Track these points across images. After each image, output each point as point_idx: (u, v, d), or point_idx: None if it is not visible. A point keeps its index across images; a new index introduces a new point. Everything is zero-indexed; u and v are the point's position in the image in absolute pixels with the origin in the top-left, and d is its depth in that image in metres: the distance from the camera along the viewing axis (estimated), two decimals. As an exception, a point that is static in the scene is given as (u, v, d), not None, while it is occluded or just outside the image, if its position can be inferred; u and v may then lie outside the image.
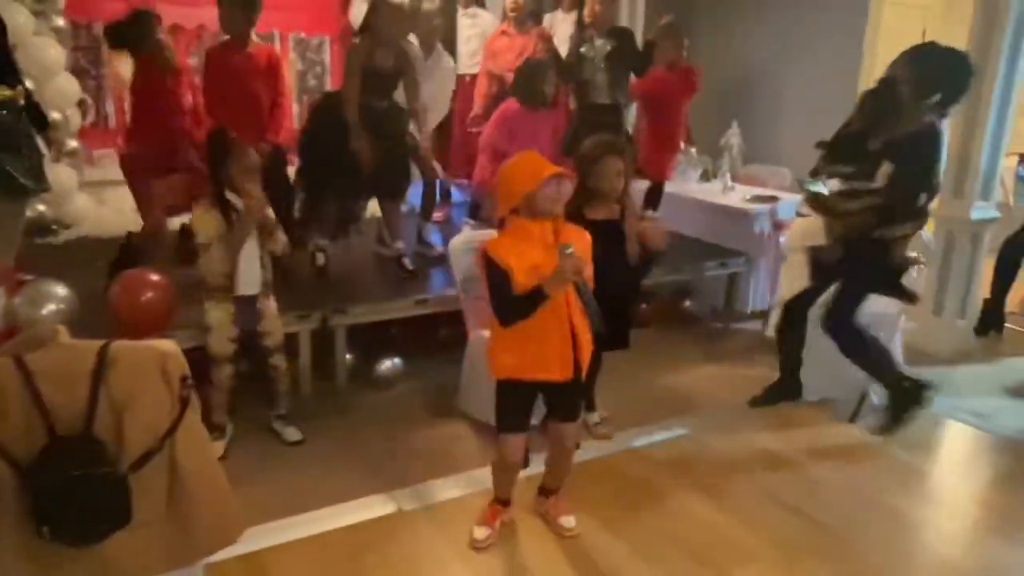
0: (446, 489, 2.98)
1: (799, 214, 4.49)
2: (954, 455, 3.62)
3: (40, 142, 3.83)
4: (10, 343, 1.87)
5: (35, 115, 3.73)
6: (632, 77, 4.86)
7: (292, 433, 3.31)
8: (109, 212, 5.02)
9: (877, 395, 3.75)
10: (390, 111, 3.92)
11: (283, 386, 3.30)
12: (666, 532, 2.78)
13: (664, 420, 3.61)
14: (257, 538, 2.55)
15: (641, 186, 4.79)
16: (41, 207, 4.78)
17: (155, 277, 3.16)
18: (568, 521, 2.75)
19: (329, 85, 6.11)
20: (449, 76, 4.97)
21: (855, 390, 3.68)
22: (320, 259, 4.06)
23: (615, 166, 3.00)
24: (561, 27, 5.33)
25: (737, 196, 5.30)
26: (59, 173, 4.86)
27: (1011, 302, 4.96)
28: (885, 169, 3.28)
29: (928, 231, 4.36)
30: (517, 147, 3.95)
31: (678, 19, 4.80)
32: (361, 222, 4.37)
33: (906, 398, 3.45)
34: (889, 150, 3.31)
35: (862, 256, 3.41)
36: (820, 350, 3.57)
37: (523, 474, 3.04)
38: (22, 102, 2.94)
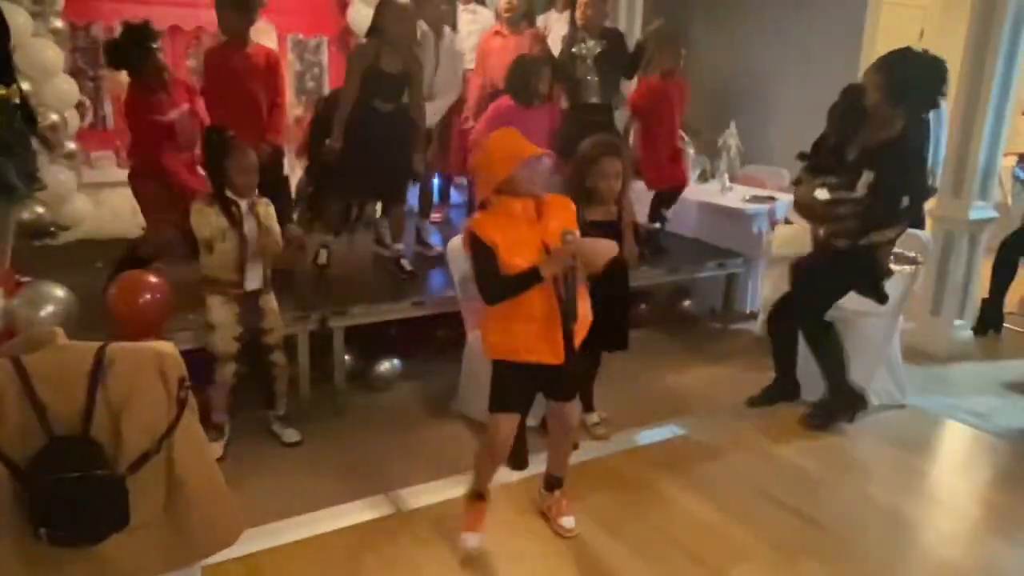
0: (445, 490, 2.97)
1: (787, 221, 4.52)
2: (953, 455, 3.62)
3: (36, 142, 3.84)
4: (8, 344, 1.87)
5: (24, 113, 3.73)
6: (624, 83, 4.89)
7: (291, 434, 3.31)
8: (107, 214, 5.02)
9: (876, 395, 3.76)
10: (394, 115, 3.90)
11: (282, 385, 3.30)
12: (664, 532, 2.78)
13: (662, 420, 3.61)
14: (255, 539, 2.55)
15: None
16: (40, 209, 4.79)
17: (153, 279, 3.16)
18: (568, 521, 2.75)
19: (327, 86, 6.10)
20: (459, 58, 4.94)
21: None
22: (322, 257, 4.06)
23: (613, 167, 3.00)
24: (556, 27, 5.32)
25: (735, 196, 5.30)
26: (57, 175, 4.86)
27: (1009, 302, 4.96)
28: (866, 178, 3.34)
29: (927, 231, 4.37)
30: None
31: (675, 25, 4.83)
32: (370, 220, 4.39)
33: (843, 405, 3.58)
34: (866, 158, 3.38)
35: (845, 260, 3.45)
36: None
37: (522, 475, 3.05)
38: (16, 101, 2.92)
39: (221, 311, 3.06)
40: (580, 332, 2.46)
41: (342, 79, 4.12)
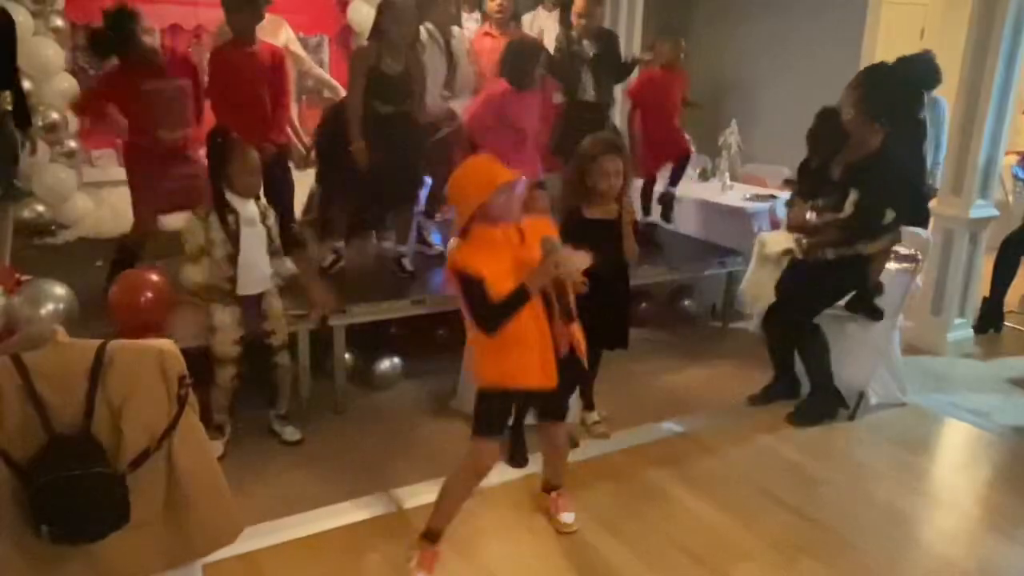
0: (445, 488, 2.97)
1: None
2: (953, 453, 3.62)
3: (26, 144, 3.83)
4: (8, 342, 1.87)
5: (20, 114, 3.72)
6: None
7: (291, 433, 3.31)
8: (108, 212, 5.02)
9: (876, 394, 3.76)
10: (398, 117, 3.88)
11: (285, 385, 3.30)
12: (665, 531, 2.78)
13: (662, 419, 3.61)
14: (256, 538, 2.55)
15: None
16: (40, 207, 4.79)
17: (154, 277, 3.16)
18: (568, 517, 2.76)
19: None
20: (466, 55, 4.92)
21: (853, 389, 3.68)
22: (327, 260, 4.04)
23: (614, 165, 2.99)
24: (547, 26, 5.29)
25: (736, 195, 5.31)
26: (58, 173, 4.87)
27: (1010, 300, 4.96)
28: (852, 196, 3.37)
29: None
30: (506, 128, 3.96)
31: (675, 24, 4.86)
32: (385, 227, 4.38)
33: (826, 405, 3.62)
34: (849, 176, 3.41)
35: (834, 269, 3.47)
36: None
37: (521, 473, 3.06)
38: (7, 108, 2.90)
39: (222, 314, 3.06)
40: (574, 343, 2.44)
41: (343, 77, 4.10)
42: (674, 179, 5.02)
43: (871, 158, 3.35)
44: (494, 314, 2.27)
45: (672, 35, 4.93)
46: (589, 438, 3.37)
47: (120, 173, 4.05)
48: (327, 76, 5.54)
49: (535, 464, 2.99)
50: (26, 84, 3.95)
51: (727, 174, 5.52)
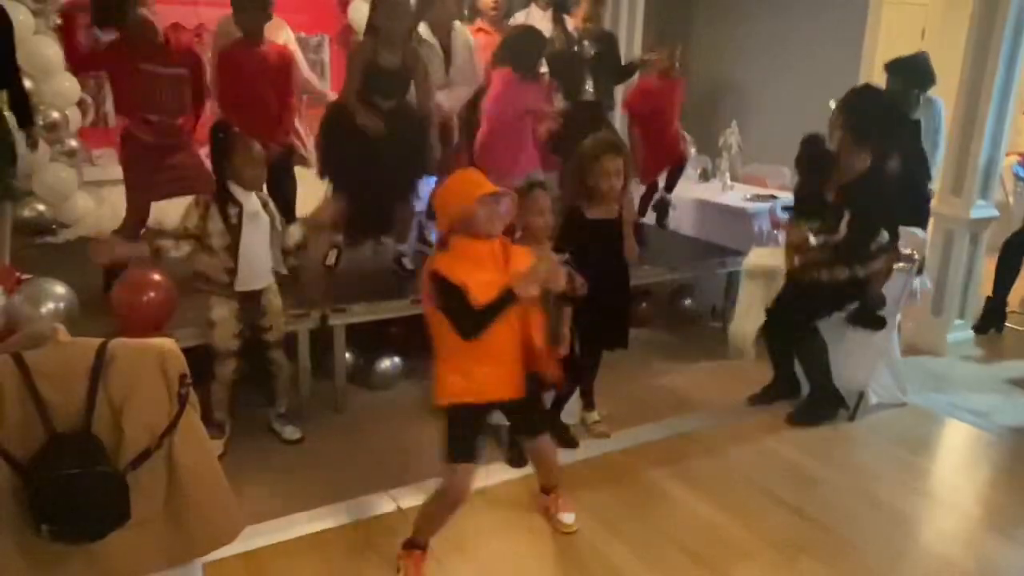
0: (445, 488, 2.97)
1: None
2: (953, 453, 3.62)
3: (25, 144, 3.82)
4: (9, 341, 1.87)
5: (21, 112, 3.72)
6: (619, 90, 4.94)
7: (291, 432, 3.32)
8: (108, 211, 5.01)
9: (876, 394, 3.76)
10: (397, 112, 3.87)
11: (283, 383, 3.30)
12: (665, 530, 2.78)
13: (663, 419, 3.61)
14: (256, 536, 2.56)
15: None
16: (40, 207, 4.79)
17: (156, 277, 3.16)
18: (567, 517, 2.76)
19: (329, 84, 6.10)
20: (475, 51, 4.90)
21: (853, 389, 3.68)
22: (331, 258, 4.03)
23: (615, 165, 2.99)
24: (540, 26, 5.28)
25: (736, 195, 5.31)
26: (58, 172, 4.87)
27: (1011, 301, 4.96)
28: (847, 218, 3.39)
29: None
30: (512, 115, 4.01)
31: (675, 25, 4.87)
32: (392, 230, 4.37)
33: (826, 404, 3.64)
34: (843, 197, 3.43)
35: (834, 292, 3.49)
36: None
37: (521, 473, 3.05)
38: (5, 107, 2.90)
39: (221, 308, 3.06)
40: (547, 367, 2.43)
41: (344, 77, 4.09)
42: (669, 185, 5.02)
43: (862, 179, 3.39)
44: (478, 318, 2.22)
45: (668, 41, 4.95)
46: (589, 438, 3.37)
47: (120, 172, 4.05)
48: (315, 81, 5.50)
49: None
50: (27, 83, 3.95)
51: (727, 174, 5.52)
